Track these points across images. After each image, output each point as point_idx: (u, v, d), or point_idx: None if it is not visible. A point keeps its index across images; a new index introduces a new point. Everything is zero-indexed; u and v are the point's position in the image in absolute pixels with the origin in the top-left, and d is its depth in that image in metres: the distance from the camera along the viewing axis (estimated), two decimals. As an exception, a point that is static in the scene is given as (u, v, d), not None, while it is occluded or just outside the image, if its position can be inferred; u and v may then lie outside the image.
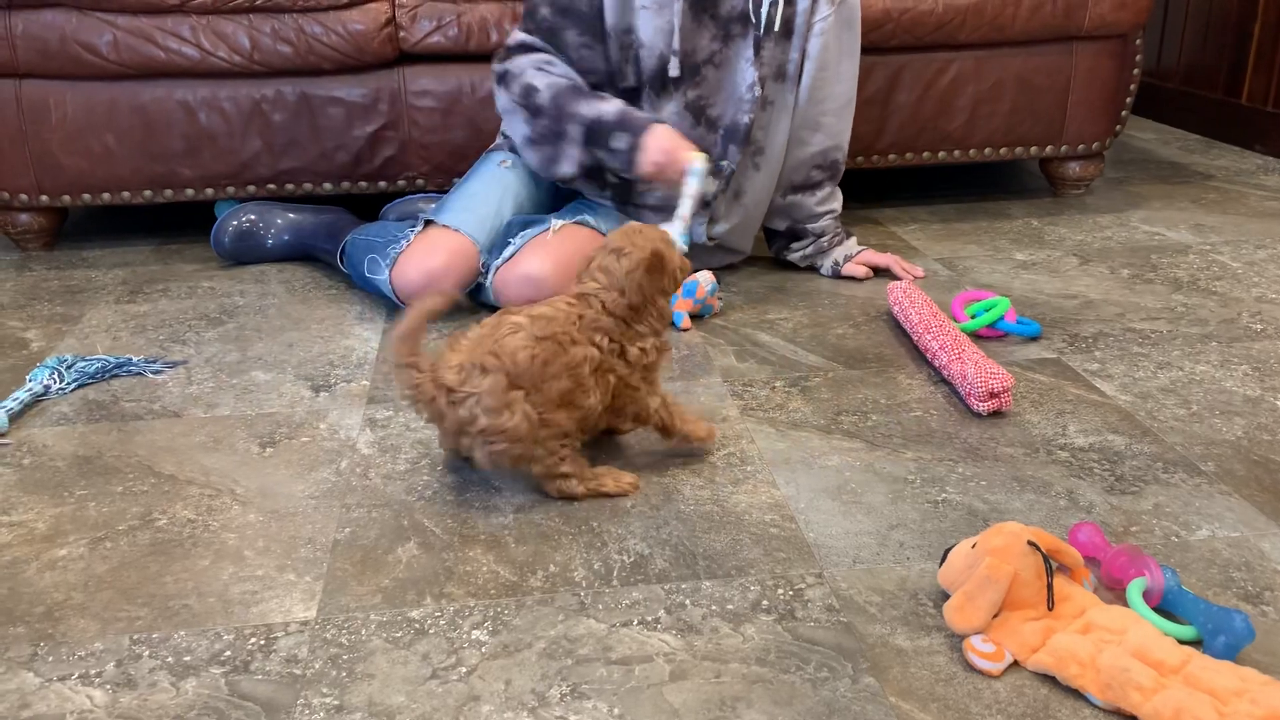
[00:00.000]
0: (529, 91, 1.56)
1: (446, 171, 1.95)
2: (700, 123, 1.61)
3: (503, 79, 1.60)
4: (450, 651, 0.89)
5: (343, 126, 1.90)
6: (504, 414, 1.04)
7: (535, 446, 1.06)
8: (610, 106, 1.53)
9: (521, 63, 1.58)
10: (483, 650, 0.89)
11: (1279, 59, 2.49)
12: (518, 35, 1.61)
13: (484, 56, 1.90)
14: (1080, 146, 2.11)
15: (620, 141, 1.51)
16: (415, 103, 1.91)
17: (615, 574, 0.98)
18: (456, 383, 1.05)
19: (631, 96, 1.59)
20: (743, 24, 1.57)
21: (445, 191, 1.93)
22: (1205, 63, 2.76)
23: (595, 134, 1.52)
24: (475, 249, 1.57)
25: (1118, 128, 2.14)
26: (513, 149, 1.68)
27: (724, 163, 1.62)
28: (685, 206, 1.49)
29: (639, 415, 1.15)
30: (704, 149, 1.55)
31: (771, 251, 1.82)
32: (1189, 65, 2.82)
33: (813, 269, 1.79)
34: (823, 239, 1.76)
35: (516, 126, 1.60)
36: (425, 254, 1.55)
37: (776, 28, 1.57)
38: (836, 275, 1.75)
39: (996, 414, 1.26)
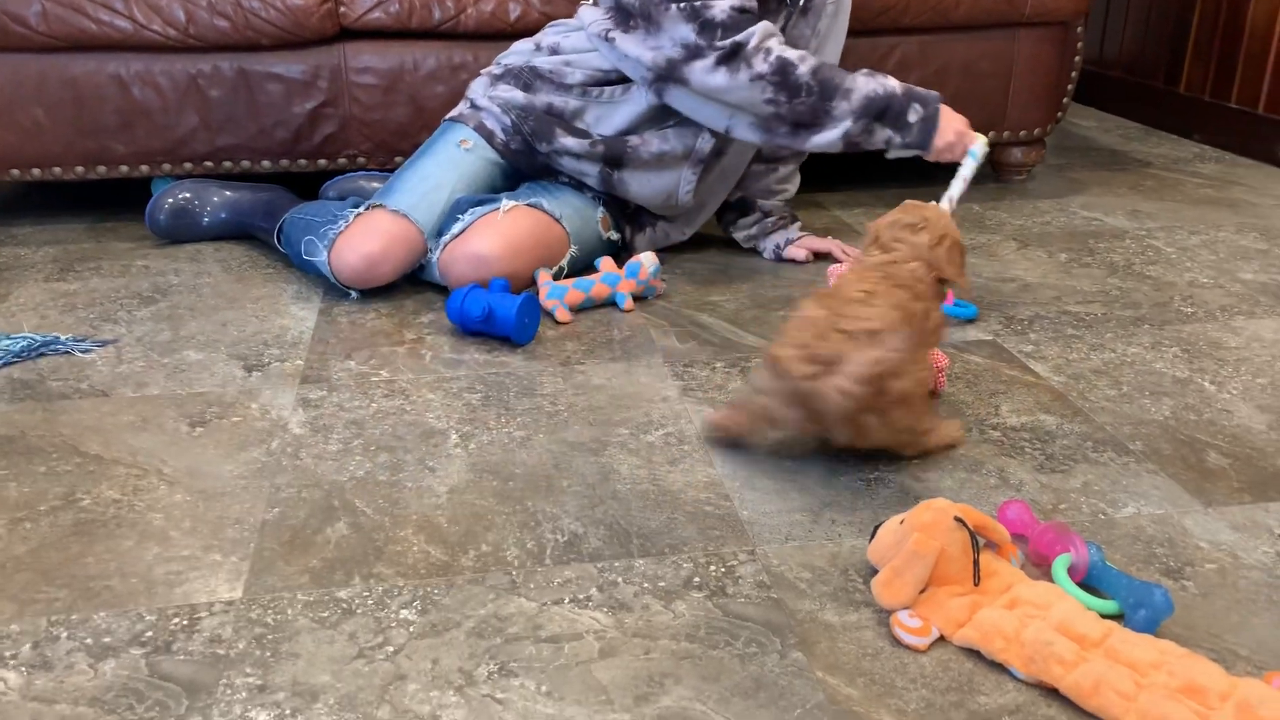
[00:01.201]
0: (785, 68, 1.46)
1: (388, 150, 1.93)
2: None
3: (737, 55, 1.46)
4: (378, 631, 0.88)
5: (282, 103, 1.87)
6: (907, 372, 1.03)
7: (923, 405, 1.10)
8: (890, 81, 1.49)
9: (756, 35, 1.47)
10: (411, 630, 0.88)
11: (1215, 50, 2.53)
12: (722, 4, 1.47)
13: (426, 34, 1.88)
14: (1022, 132, 2.13)
15: (914, 114, 1.48)
16: (356, 80, 1.88)
17: (548, 553, 0.98)
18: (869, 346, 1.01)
19: None
20: (779, 1, 1.59)
21: (387, 169, 1.91)
22: (1145, 53, 2.80)
23: (883, 108, 1.47)
24: (418, 233, 1.55)
25: (1059, 114, 2.16)
26: (481, 125, 1.64)
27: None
28: (956, 188, 1.48)
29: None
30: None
31: (720, 225, 1.82)
32: (1130, 55, 2.86)
33: (755, 251, 1.79)
34: (768, 219, 1.76)
35: (757, 105, 1.49)
36: (364, 237, 1.53)
37: (802, 2, 1.60)
38: (778, 258, 1.76)
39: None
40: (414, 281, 1.61)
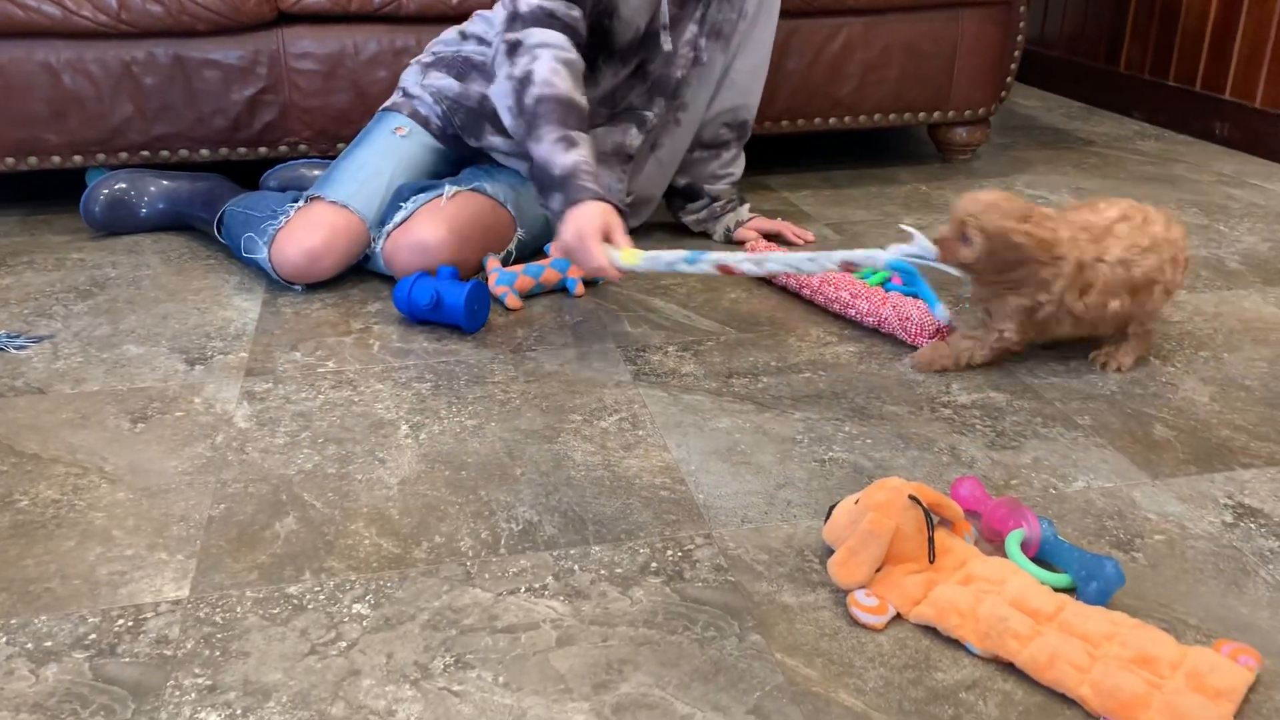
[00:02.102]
0: (525, 81, 1.38)
1: (330, 136, 1.89)
2: (636, 75, 1.59)
3: (513, 50, 1.41)
4: (330, 626, 0.86)
5: (219, 90, 1.83)
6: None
7: None
8: (568, 158, 1.34)
9: (536, 36, 1.41)
10: (364, 624, 0.86)
11: (1153, 29, 2.57)
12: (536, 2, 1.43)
13: (367, 17, 1.84)
14: (966, 112, 2.14)
15: (555, 202, 1.34)
16: (296, 65, 1.84)
17: (503, 542, 0.96)
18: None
19: (590, 64, 1.54)
20: None
21: (329, 156, 1.88)
22: (1086, 32, 2.83)
23: (538, 177, 1.38)
24: (360, 223, 1.52)
25: (1003, 94, 2.18)
26: (415, 113, 1.61)
27: (648, 113, 1.62)
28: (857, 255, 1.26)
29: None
30: (634, 101, 1.54)
31: (669, 210, 1.81)
32: (1071, 35, 2.90)
33: (705, 235, 1.78)
34: (716, 204, 1.75)
35: (505, 114, 1.42)
36: (305, 232, 1.49)
37: None
38: (729, 241, 1.75)
39: (875, 374, 1.28)
40: (360, 271, 1.58)
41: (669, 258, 1.28)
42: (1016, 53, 2.16)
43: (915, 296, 1.49)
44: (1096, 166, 2.20)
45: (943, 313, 1.32)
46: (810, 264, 1.23)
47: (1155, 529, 0.97)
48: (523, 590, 0.90)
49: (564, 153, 1.34)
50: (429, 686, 0.79)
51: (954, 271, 1.21)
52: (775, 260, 1.27)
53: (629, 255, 1.28)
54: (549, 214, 1.39)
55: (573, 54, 1.42)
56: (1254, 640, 0.83)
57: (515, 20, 1.42)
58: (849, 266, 1.21)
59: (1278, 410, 1.19)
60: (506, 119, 1.42)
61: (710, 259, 1.27)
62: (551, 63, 1.39)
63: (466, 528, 0.99)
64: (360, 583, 0.91)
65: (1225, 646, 0.80)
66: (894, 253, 1.20)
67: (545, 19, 1.42)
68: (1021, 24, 2.14)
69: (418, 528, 0.99)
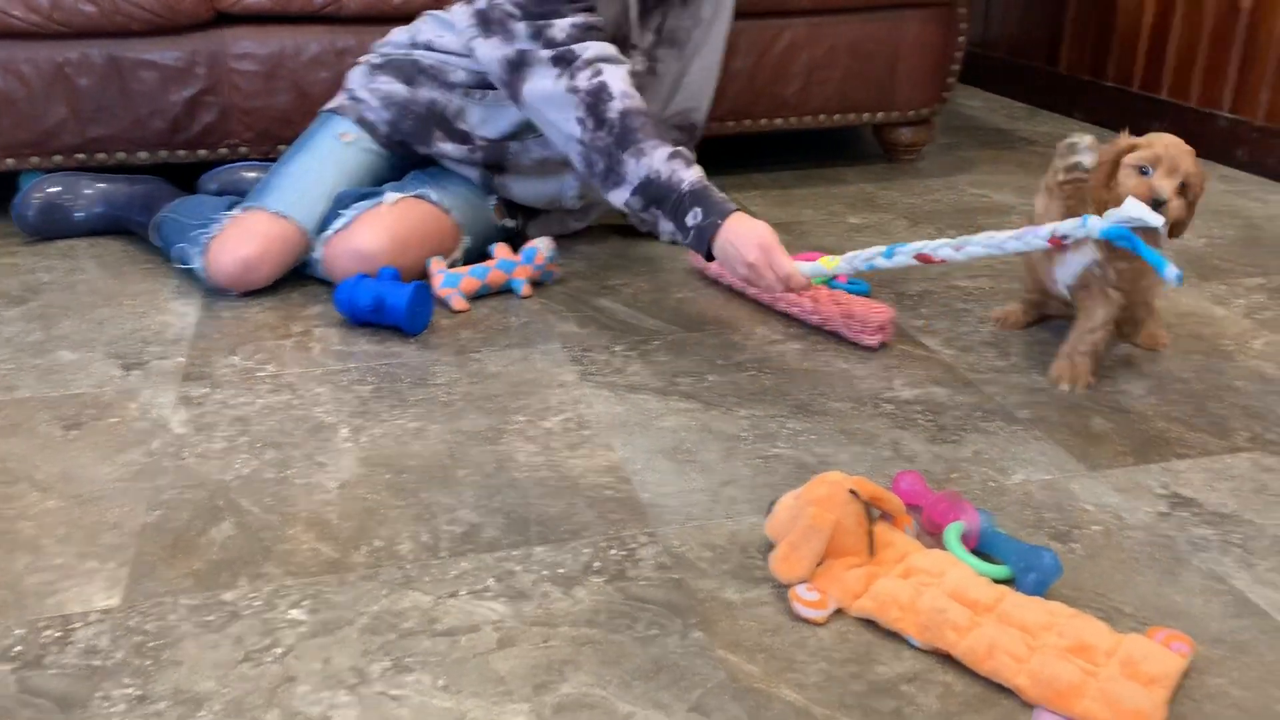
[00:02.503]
0: (601, 93, 1.37)
1: (272, 138, 1.86)
2: None
3: (565, 60, 1.39)
4: (265, 633, 0.84)
5: (157, 91, 1.79)
6: None
7: None
8: (692, 173, 1.34)
9: (592, 50, 1.39)
10: (300, 630, 0.85)
11: (1091, 30, 2.61)
12: (573, 14, 1.40)
13: (308, 18, 1.82)
14: (910, 112, 2.16)
15: (692, 218, 1.32)
16: (236, 66, 1.81)
17: (444, 545, 0.95)
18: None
19: None
20: None
21: (270, 159, 1.85)
22: (1027, 34, 2.87)
23: (660, 196, 1.35)
24: (299, 232, 1.49)
25: (946, 94, 2.20)
26: (362, 118, 1.59)
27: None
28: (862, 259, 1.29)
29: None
30: None
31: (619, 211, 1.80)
32: (1013, 36, 2.94)
33: (653, 236, 1.78)
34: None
35: (566, 122, 1.39)
36: (239, 241, 1.47)
37: None
38: (674, 242, 1.74)
39: (819, 371, 1.28)
40: (301, 274, 1.56)
41: (865, 254, 1.27)
42: (958, 53, 2.18)
43: (862, 295, 1.50)
44: (1039, 166, 2.23)
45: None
46: (1016, 242, 1.18)
47: (1092, 520, 0.99)
48: (463, 592, 0.89)
49: (685, 168, 1.34)
50: (366, 691, 0.78)
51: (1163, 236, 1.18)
52: (977, 243, 1.21)
53: (828, 261, 1.29)
54: (670, 231, 1.37)
55: (627, 63, 1.43)
56: (1187, 627, 0.84)
57: (541, 38, 1.40)
58: (1058, 241, 1.17)
59: (1212, 402, 1.21)
60: (572, 129, 1.39)
61: (909, 250, 1.24)
62: (621, 73, 1.40)
63: (407, 531, 0.97)
64: (298, 588, 0.90)
65: (1159, 633, 0.82)
66: (1111, 219, 1.12)
67: (591, 35, 1.41)
68: (963, 25, 2.17)
69: (357, 532, 0.97)
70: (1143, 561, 0.93)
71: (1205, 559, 0.93)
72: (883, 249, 1.26)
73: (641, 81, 1.60)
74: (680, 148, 1.38)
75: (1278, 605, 0.87)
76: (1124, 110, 2.51)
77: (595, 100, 1.37)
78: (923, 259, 1.24)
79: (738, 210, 1.33)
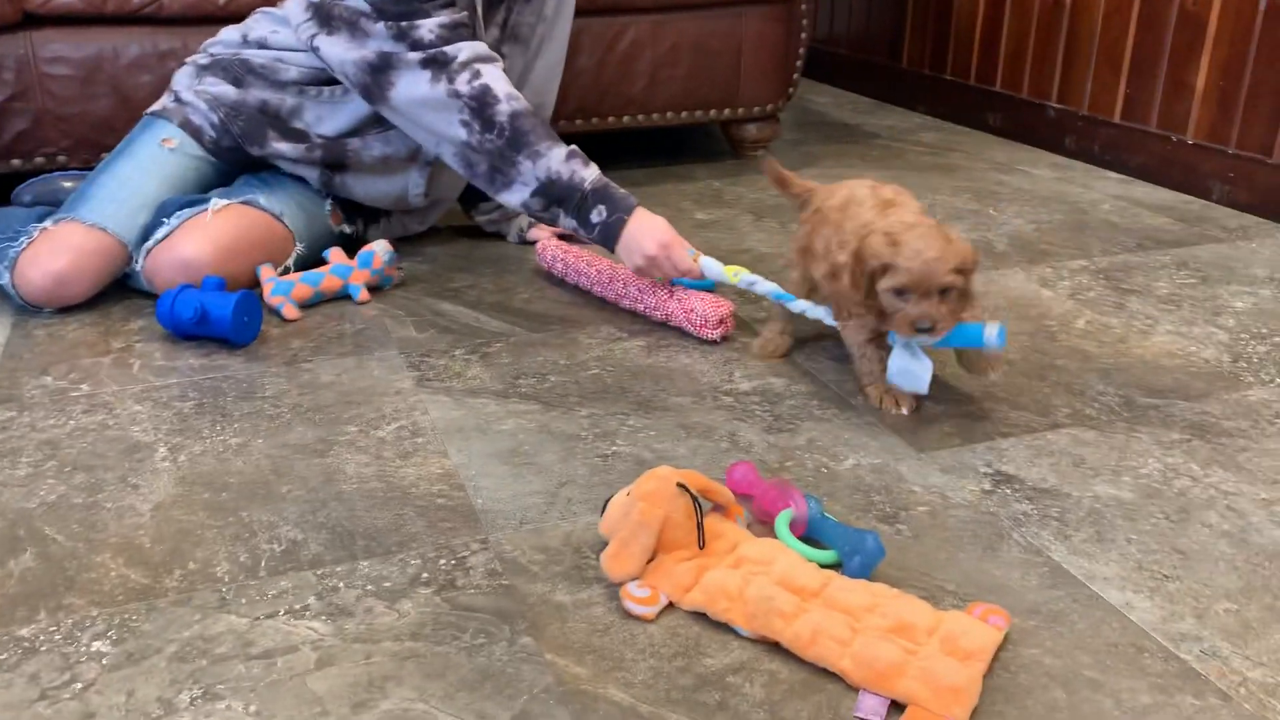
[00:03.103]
0: (486, 96, 1.36)
1: (91, 146, 1.77)
2: None
3: (437, 63, 1.36)
4: (64, 668, 0.79)
5: (-40, 98, 1.68)
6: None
7: None
8: (591, 171, 1.37)
9: (466, 51, 1.37)
10: (104, 662, 0.80)
11: (930, 26, 2.69)
12: (437, 13, 1.37)
13: (126, 19, 1.73)
14: (755, 109, 2.19)
15: (597, 215, 1.35)
16: (48, 70, 1.71)
17: (263, 564, 0.91)
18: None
19: None
20: None
21: (90, 167, 1.75)
22: (870, 30, 2.95)
23: (562, 195, 1.36)
24: (117, 244, 1.41)
25: (790, 90, 2.23)
26: (187, 121, 1.51)
27: None
28: (763, 287, 1.31)
29: None
30: None
31: (462, 210, 1.78)
32: (857, 33, 3.01)
33: (499, 235, 1.76)
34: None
35: (448, 126, 1.38)
36: (50, 255, 1.39)
37: None
38: (522, 241, 1.73)
39: (661, 367, 1.28)
40: (124, 286, 1.48)
41: (766, 286, 1.30)
42: (801, 50, 2.22)
43: (707, 290, 1.50)
44: (881, 158, 2.29)
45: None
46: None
47: (919, 501, 1.01)
48: (282, 613, 0.85)
49: (584, 167, 1.38)
50: (171, 724, 0.74)
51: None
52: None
53: (731, 274, 1.33)
54: (571, 226, 1.39)
55: (501, 61, 1.43)
56: (1006, 600, 0.87)
57: (405, 40, 1.37)
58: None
59: (1035, 381, 1.25)
60: (456, 132, 1.38)
61: (799, 306, 1.27)
62: (500, 74, 1.40)
63: (224, 551, 0.93)
64: (103, 618, 0.84)
65: (977, 609, 0.83)
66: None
67: (459, 34, 1.39)
68: (804, 22, 2.20)
69: (170, 555, 0.92)
70: (965, 539, 0.95)
71: (1025, 533, 0.96)
72: (778, 290, 1.29)
73: None
74: (574, 147, 1.40)
75: (1090, 574, 0.90)
76: (962, 103, 2.60)
77: (480, 104, 1.37)
78: (798, 310, 1.28)
79: (639, 205, 1.37)
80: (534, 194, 1.38)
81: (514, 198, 1.40)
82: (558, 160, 1.37)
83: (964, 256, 1.08)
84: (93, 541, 0.94)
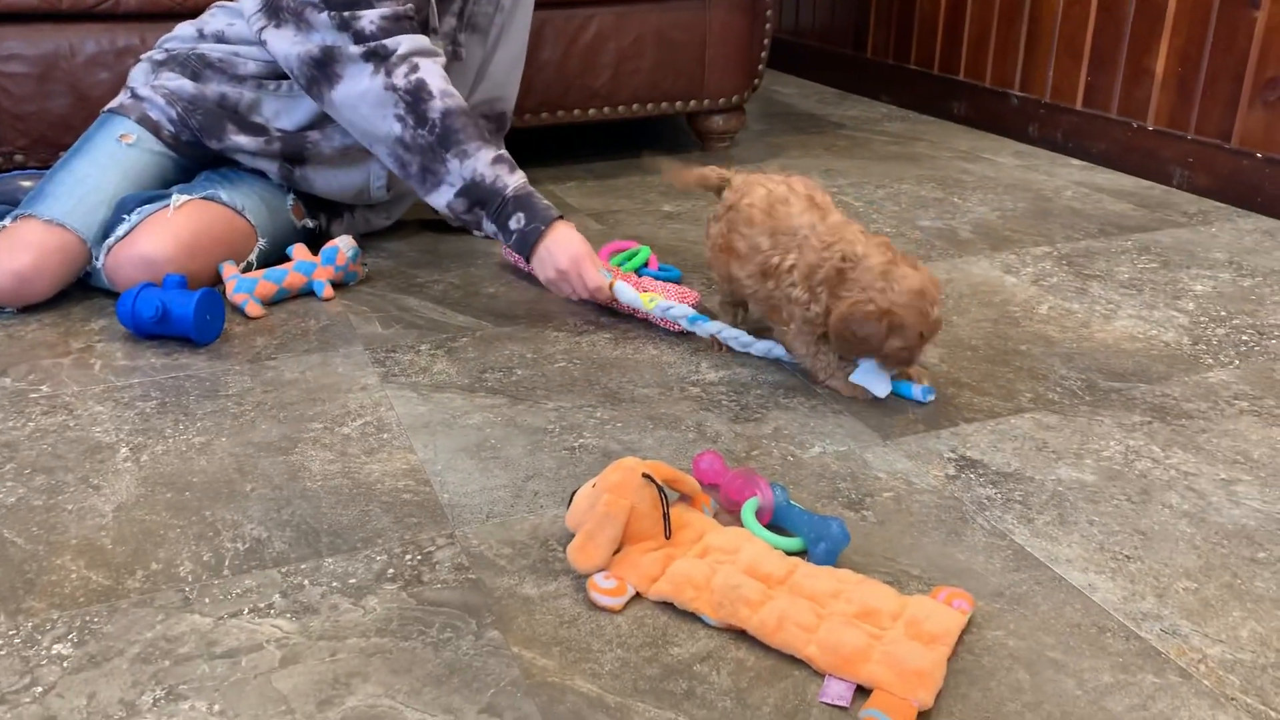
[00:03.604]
0: (421, 91, 1.35)
1: (49, 144, 1.75)
2: None
3: (378, 55, 1.35)
4: (24, 672, 0.78)
5: (-87, 98, 1.66)
6: (710, 224, 1.24)
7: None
8: (516, 178, 1.36)
9: (405, 44, 1.36)
10: (64, 665, 0.79)
11: (894, 17, 2.70)
12: (380, 4, 1.36)
13: (82, 16, 1.71)
14: (721, 100, 2.19)
15: (515, 223, 1.35)
16: (3, 68, 1.69)
17: (227, 563, 0.91)
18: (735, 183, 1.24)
19: None
20: None
21: (48, 167, 1.73)
22: (835, 21, 2.95)
23: (484, 198, 1.36)
24: (78, 242, 1.40)
25: (756, 81, 2.24)
26: (145, 117, 1.49)
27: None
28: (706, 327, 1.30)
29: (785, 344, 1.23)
30: None
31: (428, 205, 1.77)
32: (823, 24, 3.02)
33: (465, 230, 1.75)
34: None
35: (383, 120, 1.37)
36: (11, 253, 1.37)
37: None
38: (488, 236, 1.72)
39: (628, 359, 1.28)
40: (84, 286, 1.47)
41: (679, 310, 1.30)
42: (766, 40, 2.23)
43: (673, 281, 1.50)
44: (846, 148, 2.30)
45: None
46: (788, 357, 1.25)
47: (884, 487, 1.01)
48: (246, 612, 0.85)
49: (509, 173, 1.37)
50: (134, 725, 0.73)
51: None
52: (760, 348, 1.27)
53: (646, 300, 1.32)
54: (492, 231, 1.39)
55: (442, 57, 1.41)
56: (970, 584, 0.87)
57: (365, 40, 1.36)
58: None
59: (999, 367, 1.26)
60: (390, 127, 1.37)
61: (709, 327, 1.28)
62: (438, 70, 1.38)
63: (187, 551, 0.92)
64: (63, 621, 0.84)
65: (941, 593, 0.84)
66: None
67: (401, 26, 1.37)
68: (769, 12, 2.21)
69: (132, 556, 0.91)
70: (930, 524, 0.96)
71: (988, 517, 0.96)
72: (692, 314, 1.29)
73: (447, 67, 1.57)
74: (503, 151, 1.38)
75: (1053, 556, 0.91)
76: (926, 92, 2.61)
77: (415, 98, 1.36)
78: (715, 340, 1.29)
79: (560, 218, 1.37)
80: (458, 194, 1.37)
81: (440, 199, 1.40)
82: (484, 162, 1.36)
83: (939, 294, 1.13)
84: (53, 544, 0.93)
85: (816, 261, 1.14)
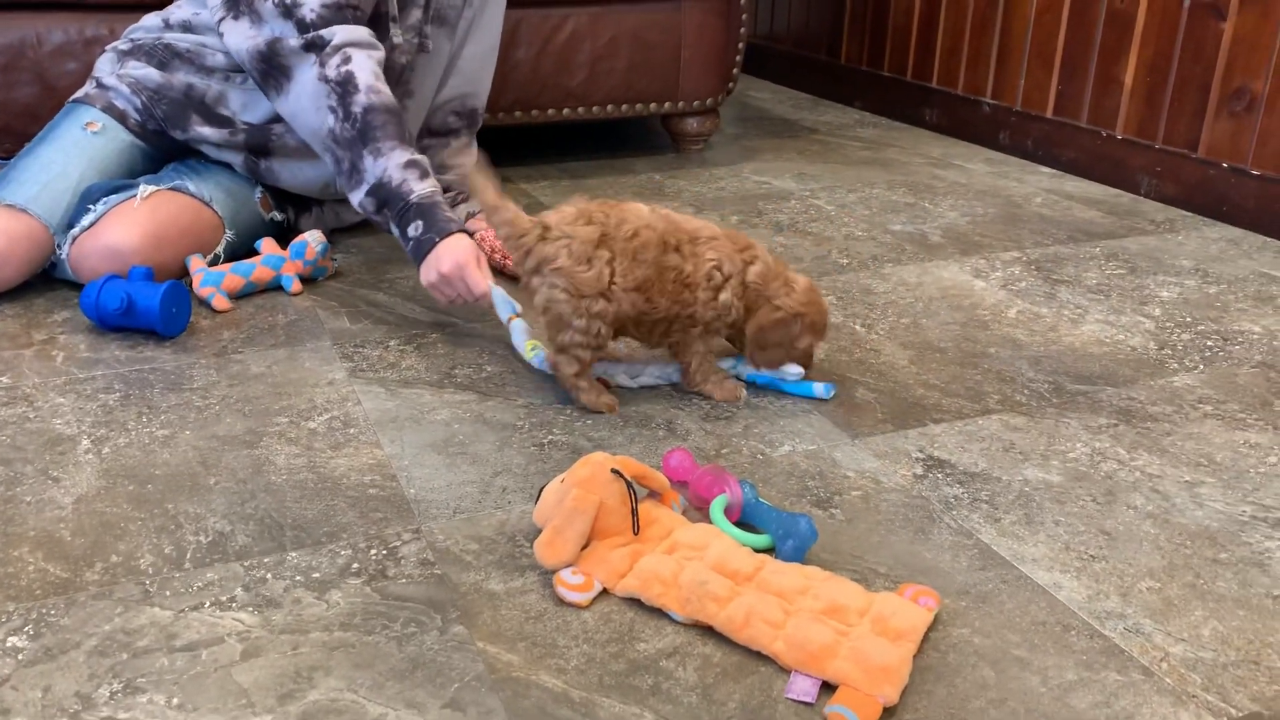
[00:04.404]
0: (349, 84, 1.33)
1: (16, 135, 1.72)
2: None
3: (315, 45, 1.34)
4: (-23, 665, 0.77)
5: (-126, 84, 1.63)
6: (583, 264, 1.09)
7: (581, 315, 1.09)
8: (425, 185, 1.32)
9: (340, 34, 1.34)
10: (19, 658, 0.77)
11: (868, 23, 2.72)
12: (312, 3, 1.34)
13: (49, 4, 1.69)
14: (695, 103, 2.19)
15: (414, 229, 1.30)
16: (-33, 57, 1.66)
17: (189, 556, 0.89)
18: (556, 222, 1.12)
19: None
20: None
21: (11, 157, 1.71)
22: (810, 27, 2.97)
23: (388, 199, 1.32)
24: (42, 229, 1.38)
25: (730, 85, 2.24)
26: (111, 105, 1.48)
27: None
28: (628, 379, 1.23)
29: (677, 350, 1.18)
30: None
31: None
32: (797, 29, 3.03)
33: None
34: (446, 194, 1.71)
35: (318, 113, 1.35)
36: None
37: None
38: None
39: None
40: (48, 277, 1.44)
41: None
42: (740, 43, 2.23)
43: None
44: (818, 153, 2.31)
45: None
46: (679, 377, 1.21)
47: (852, 485, 1.01)
48: (207, 605, 0.83)
49: (419, 180, 1.33)
50: (90, 718, 0.72)
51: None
52: (649, 374, 1.22)
53: (530, 345, 1.24)
54: (393, 232, 1.35)
55: (379, 50, 1.39)
56: (936, 581, 0.88)
57: (306, 28, 1.34)
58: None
59: (967, 368, 1.27)
60: (324, 119, 1.35)
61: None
62: (369, 64, 1.35)
63: (148, 544, 0.91)
64: (19, 614, 0.82)
65: (908, 590, 0.84)
66: (762, 370, 1.19)
67: (340, 15, 1.36)
68: (744, 16, 2.21)
69: (92, 548, 0.90)
70: (897, 522, 0.96)
71: (955, 516, 0.97)
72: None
73: (413, 59, 1.56)
74: (419, 157, 1.35)
75: (1019, 555, 0.91)
76: (899, 99, 2.63)
77: (344, 90, 1.34)
78: (604, 382, 1.21)
79: (459, 232, 1.30)
80: (368, 193, 1.34)
81: (355, 197, 1.36)
82: (395, 164, 1.32)
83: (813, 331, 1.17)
84: (10, 535, 0.91)
85: (741, 266, 1.15)
